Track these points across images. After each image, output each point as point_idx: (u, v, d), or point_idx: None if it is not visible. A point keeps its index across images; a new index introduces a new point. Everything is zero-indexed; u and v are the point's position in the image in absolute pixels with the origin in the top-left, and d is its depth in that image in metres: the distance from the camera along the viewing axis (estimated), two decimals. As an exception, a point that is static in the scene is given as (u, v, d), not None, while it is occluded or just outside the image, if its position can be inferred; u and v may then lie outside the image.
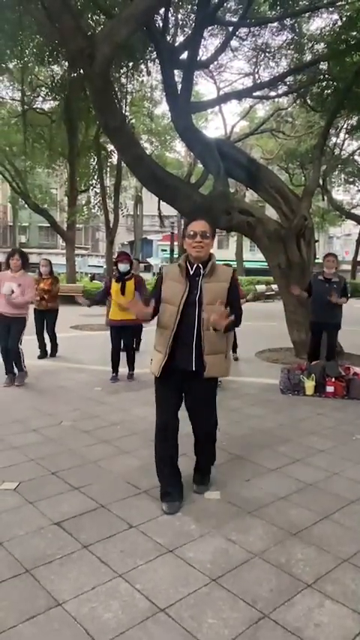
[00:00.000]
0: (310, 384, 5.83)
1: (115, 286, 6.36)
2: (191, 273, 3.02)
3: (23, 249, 6.63)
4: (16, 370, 6.19)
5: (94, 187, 15.74)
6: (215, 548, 2.62)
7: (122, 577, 2.37)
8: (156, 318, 3.15)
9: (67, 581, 2.33)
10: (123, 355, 6.66)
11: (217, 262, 3.10)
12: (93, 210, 16.79)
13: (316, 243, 8.87)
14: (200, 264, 3.02)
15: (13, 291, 5.83)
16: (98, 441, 4.16)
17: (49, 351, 8.10)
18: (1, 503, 3.04)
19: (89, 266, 40.65)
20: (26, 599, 2.21)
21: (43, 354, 7.96)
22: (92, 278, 29.91)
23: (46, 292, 7.78)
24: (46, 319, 7.93)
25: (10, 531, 2.74)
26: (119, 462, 3.73)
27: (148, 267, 39.07)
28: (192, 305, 2.96)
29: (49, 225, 18.49)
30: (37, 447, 3.98)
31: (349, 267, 35.82)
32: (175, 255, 23.68)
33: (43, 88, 15.45)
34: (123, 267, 6.38)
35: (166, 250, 34.50)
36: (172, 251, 25.57)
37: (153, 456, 3.78)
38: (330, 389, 5.78)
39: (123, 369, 6.66)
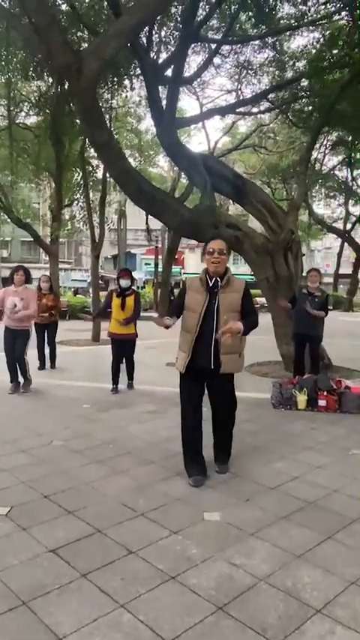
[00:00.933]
0: (302, 398, 5.79)
1: (116, 301, 6.61)
2: (210, 285, 3.53)
3: (25, 265, 6.96)
4: (21, 379, 6.55)
5: (79, 202, 15.68)
6: (219, 574, 2.53)
7: (124, 607, 2.26)
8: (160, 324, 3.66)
9: (66, 614, 2.22)
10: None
11: (236, 276, 3.64)
12: (77, 225, 16.68)
13: (303, 257, 8.90)
14: (218, 278, 3.52)
15: (15, 305, 6.16)
16: (91, 461, 4.04)
17: (47, 364, 8.47)
18: (-8, 530, 2.92)
19: (72, 280, 40.33)
20: (25, 634, 2.09)
21: (42, 366, 8.29)
22: (76, 292, 29.69)
23: (49, 308, 8.28)
24: (47, 332, 8.36)
25: (4, 560, 2.61)
26: (114, 483, 3.62)
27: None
28: (211, 313, 3.49)
29: (31, 239, 18.33)
30: (29, 469, 3.85)
31: (330, 279, 36.28)
32: (160, 269, 23.64)
33: (27, 103, 15.40)
34: (124, 282, 6.68)
35: (149, 264, 34.48)
36: (156, 265, 25.55)
37: (149, 475, 3.73)
38: (322, 403, 5.75)
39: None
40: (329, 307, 7.09)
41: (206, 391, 3.77)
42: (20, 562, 2.60)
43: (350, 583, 2.48)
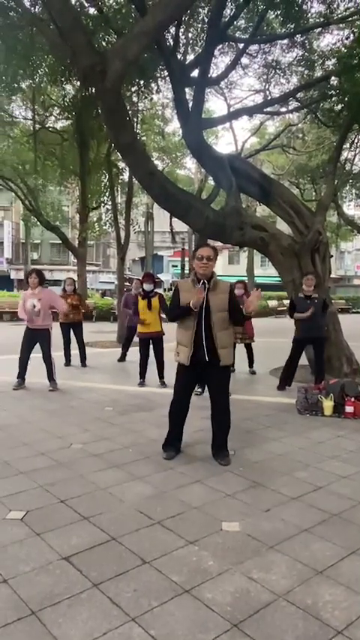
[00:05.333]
0: (328, 404, 5.61)
1: (142, 303, 7.14)
2: (198, 286, 3.97)
3: (38, 268, 7.43)
4: (33, 379, 6.82)
5: (106, 204, 15.79)
6: (235, 588, 2.42)
7: (135, 621, 2.18)
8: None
9: (76, 626, 2.15)
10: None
11: (220, 279, 4.14)
12: (104, 227, 16.81)
13: (331, 258, 8.67)
14: (206, 280, 3.99)
15: (35, 306, 6.53)
16: (109, 466, 3.98)
17: (73, 361, 8.92)
18: (6, 535, 2.88)
19: (100, 282, 40.68)
20: (31, 647, 2.03)
21: (68, 363, 8.83)
22: (103, 294, 29.91)
23: (74, 307, 8.66)
24: (74, 331, 8.83)
25: (15, 567, 2.56)
26: (131, 489, 3.55)
27: (158, 283, 39.04)
28: (200, 311, 3.94)
29: (60, 242, 18.60)
30: (46, 473, 3.82)
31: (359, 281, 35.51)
32: (186, 271, 23.61)
33: (56, 107, 15.61)
34: (147, 286, 7.19)
35: (176, 266, 34.51)
36: (182, 267, 25.50)
37: (167, 482, 3.65)
38: (349, 409, 5.56)
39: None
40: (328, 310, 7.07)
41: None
42: (32, 569, 2.55)
43: (375, 603, 2.34)
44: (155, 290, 7.40)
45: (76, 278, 18.41)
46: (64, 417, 5.47)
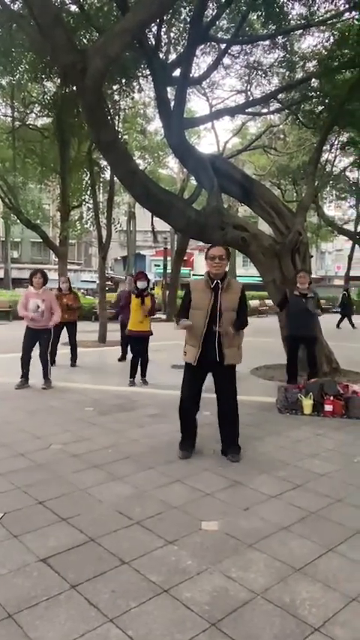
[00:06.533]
0: (308, 403, 5.67)
1: (135, 301, 7.16)
2: (212, 286, 4.00)
3: (42, 268, 7.42)
4: (36, 379, 6.82)
5: (87, 203, 15.67)
6: (214, 587, 2.42)
7: (113, 622, 2.17)
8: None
9: (53, 628, 2.13)
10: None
11: (233, 278, 4.16)
12: (86, 226, 16.69)
13: (311, 259, 8.76)
14: (219, 280, 4.00)
15: (38, 307, 6.60)
16: (89, 466, 3.95)
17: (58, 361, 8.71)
18: (-17, 537, 2.84)
19: (82, 281, 40.44)
20: (7, 651, 2.00)
21: (52, 362, 8.48)
22: (85, 293, 29.72)
23: (70, 307, 8.57)
24: (68, 330, 8.65)
25: (-8, 570, 2.53)
26: (110, 489, 3.53)
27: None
28: (214, 310, 3.97)
29: (41, 240, 18.40)
30: (24, 474, 3.77)
31: (341, 282, 35.98)
32: (169, 271, 23.58)
33: (36, 105, 15.45)
34: (141, 284, 7.24)
35: (159, 265, 34.41)
36: (165, 267, 25.48)
37: (147, 482, 3.66)
38: (328, 408, 5.62)
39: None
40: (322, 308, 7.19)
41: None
42: (9, 571, 2.52)
43: (351, 599, 2.36)
44: (149, 290, 7.51)
45: (56, 277, 18.31)
46: (45, 417, 5.42)
